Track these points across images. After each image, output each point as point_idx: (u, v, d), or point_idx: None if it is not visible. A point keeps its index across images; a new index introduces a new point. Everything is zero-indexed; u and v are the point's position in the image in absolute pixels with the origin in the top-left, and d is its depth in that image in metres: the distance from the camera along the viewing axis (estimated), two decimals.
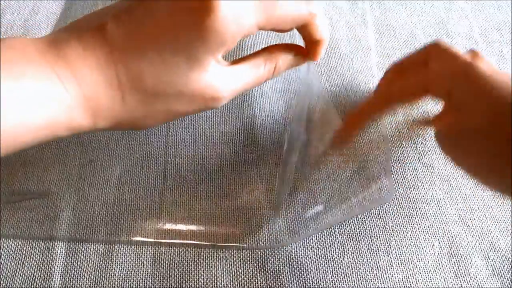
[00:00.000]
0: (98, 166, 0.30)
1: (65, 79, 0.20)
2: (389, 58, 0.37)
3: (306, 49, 0.26)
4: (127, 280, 0.26)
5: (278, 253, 0.27)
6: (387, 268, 0.26)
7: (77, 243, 0.27)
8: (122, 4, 0.22)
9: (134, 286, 0.26)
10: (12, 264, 0.27)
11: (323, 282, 0.26)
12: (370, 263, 0.27)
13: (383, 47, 0.38)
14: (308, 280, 0.26)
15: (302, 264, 0.26)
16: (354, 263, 0.27)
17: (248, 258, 0.27)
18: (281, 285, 0.26)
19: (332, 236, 0.28)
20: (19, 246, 0.27)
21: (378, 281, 0.26)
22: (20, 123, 0.19)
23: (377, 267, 0.26)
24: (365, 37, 0.38)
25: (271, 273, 0.26)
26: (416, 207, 0.29)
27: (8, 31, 0.39)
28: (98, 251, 0.27)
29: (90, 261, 0.27)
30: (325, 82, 0.35)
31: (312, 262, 0.27)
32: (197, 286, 0.26)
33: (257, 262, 0.27)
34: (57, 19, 0.40)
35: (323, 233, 0.28)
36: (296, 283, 0.26)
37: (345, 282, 0.26)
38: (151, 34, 0.21)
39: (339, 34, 0.38)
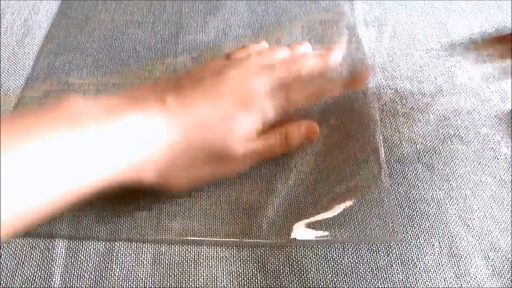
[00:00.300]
0: None
1: (124, 141, 0.23)
2: (389, 58, 0.37)
3: None
4: (127, 280, 0.26)
5: (278, 253, 0.27)
6: (387, 268, 0.26)
7: (77, 243, 0.27)
8: (179, 84, 0.28)
9: (134, 286, 0.26)
10: (12, 264, 0.27)
11: (323, 282, 0.26)
12: (370, 263, 0.27)
13: (383, 47, 0.38)
14: (308, 280, 0.26)
15: (302, 264, 0.26)
16: (354, 263, 0.27)
17: (248, 258, 0.27)
18: (281, 285, 0.26)
19: (332, 237, 0.27)
20: (19, 246, 0.27)
21: (378, 281, 0.26)
22: (85, 181, 0.22)
23: (377, 267, 0.26)
24: (365, 37, 0.38)
25: (271, 273, 0.26)
26: (416, 207, 0.29)
27: (8, 31, 0.39)
28: (98, 251, 0.27)
29: (90, 261, 0.27)
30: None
31: (312, 262, 0.27)
32: (197, 286, 0.26)
33: (257, 262, 0.27)
34: (55, 19, 0.40)
35: (323, 233, 0.27)
36: (296, 283, 0.26)
37: (345, 282, 0.26)
38: (200, 110, 0.27)
39: (339, 34, 0.38)
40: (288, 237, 0.27)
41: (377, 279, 0.26)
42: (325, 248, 0.27)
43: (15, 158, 0.19)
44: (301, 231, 0.27)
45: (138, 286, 0.26)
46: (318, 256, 0.27)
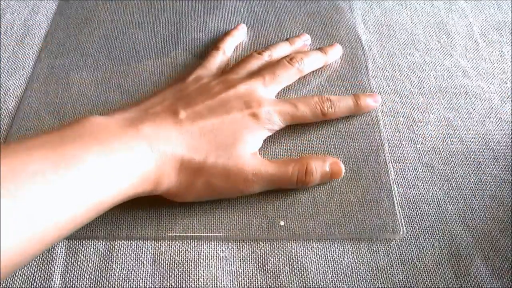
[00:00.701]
0: None
1: (142, 153, 0.24)
2: (389, 58, 0.37)
3: None
4: (127, 280, 0.26)
5: (278, 253, 0.27)
6: (387, 268, 0.26)
7: (77, 243, 0.27)
8: (187, 93, 0.29)
9: (134, 286, 0.26)
10: None
11: (323, 282, 0.26)
12: (370, 263, 0.27)
13: (383, 47, 0.38)
14: (308, 280, 0.26)
15: (302, 264, 0.26)
16: (354, 263, 0.27)
17: (248, 258, 0.27)
18: (281, 285, 0.26)
19: (332, 236, 0.28)
20: None
21: (378, 281, 0.26)
22: (113, 191, 0.23)
23: (377, 267, 0.26)
24: (365, 37, 0.38)
25: (271, 273, 0.26)
26: (416, 207, 0.29)
27: (8, 31, 0.39)
28: (98, 251, 0.27)
29: (90, 261, 0.27)
30: (325, 81, 0.35)
31: (312, 262, 0.27)
32: (197, 286, 0.26)
33: (257, 262, 0.27)
34: (55, 19, 0.40)
35: (323, 233, 0.28)
36: (296, 283, 0.26)
37: (345, 282, 0.26)
38: (210, 122, 0.27)
39: (339, 34, 0.38)
40: (288, 236, 0.27)
41: (377, 279, 0.26)
42: (325, 248, 0.27)
43: (55, 184, 0.20)
44: (301, 230, 0.27)
45: (138, 286, 0.26)
46: (318, 256, 0.27)
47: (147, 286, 0.26)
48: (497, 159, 0.31)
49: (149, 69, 0.36)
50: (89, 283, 0.26)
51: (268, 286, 0.26)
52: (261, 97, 0.30)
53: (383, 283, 0.26)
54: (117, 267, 0.26)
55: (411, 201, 0.29)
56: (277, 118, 0.30)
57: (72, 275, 0.26)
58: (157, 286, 0.26)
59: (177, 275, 0.26)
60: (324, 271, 0.26)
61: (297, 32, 0.38)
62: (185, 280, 0.26)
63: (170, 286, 0.26)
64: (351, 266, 0.26)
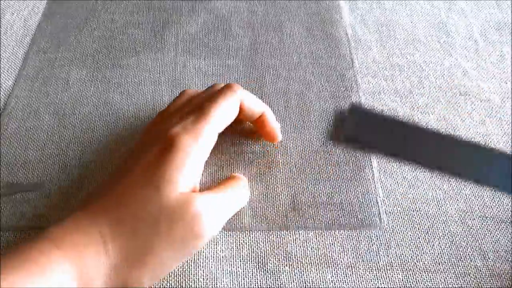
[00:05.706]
0: (98, 166, 0.30)
1: (51, 254, 0.21)
2: (389, 58, 0.37)
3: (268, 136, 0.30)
4: None
5: (278, 253, 0.27)
6: (387, 268, 0.26)
7: None
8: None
9: (134, 287, 0.26)
10: None
11: (323, 282, 0.26)
12: (370, 263, 0.27)
13: (383, 47, 0.38)
14: (308, 280, 0.26)
15: (302, 264, 0.26)
16: (354, 263, 0.27)
17: (248, 258, 0.27)
18: (281, 285, 0.26)
19: (332, 236, 0.28)
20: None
21: (378, 281, 0.26)
22: None
23: (377, 267, 0.26)
24: (365, 37, 0.38)
25: (271, 273, 0.26)
26: (416, 207, 0.29)
27: (8, 31, 0.39)
28: None
29: None
30: (325, 82, 0.35)
31: (312, 262, 0.27)
32: (197, 286, 0.26)
33: (257, 262, 0.27)
34: (54, 19, 0.40)
35: (323, 233, 0.28)
36: (296, 283, 0.26)
37: (345, 282, 0.26)
38: (124, 176, 0.24)
39: (339, 34, 0.38)
40: (286, 229, 0.27)
41: (377, 279, 0.26)
42: (325, 248, 0.27)
43: None
44: (298, 225, 0.28)
45: None
46: (318, 256, 0.27)
47: (147, 287, 0.26)
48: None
49: (149, 69, 0.36)
50: None
51: (268, 286, 0.26)
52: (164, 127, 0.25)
53: (383, 283, 0.26)
54: None
55: (411, 201, 0.29)
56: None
57: None
58: (157, 287, 0.26)
59: (177, 275, 0.26)
60: (324, 271, 0.26)
61: (297, 32, 0.39)
62: (185, 280, 0.26)
63: (170, 286, 0.26)
64: (351, 266, 0.26)
